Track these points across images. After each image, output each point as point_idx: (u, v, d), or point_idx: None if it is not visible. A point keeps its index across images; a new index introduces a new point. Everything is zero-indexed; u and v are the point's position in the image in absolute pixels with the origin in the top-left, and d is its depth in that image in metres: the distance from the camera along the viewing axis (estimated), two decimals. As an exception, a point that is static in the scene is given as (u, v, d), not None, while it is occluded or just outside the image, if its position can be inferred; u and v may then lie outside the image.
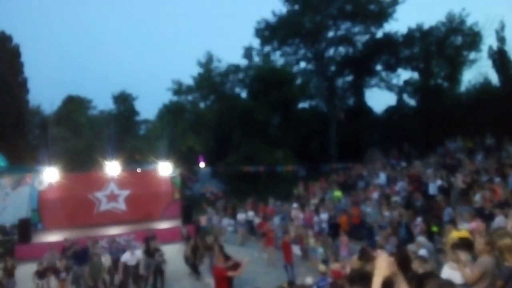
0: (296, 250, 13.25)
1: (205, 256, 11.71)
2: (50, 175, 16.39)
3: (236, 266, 8.01)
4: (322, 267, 8.22)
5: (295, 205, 16.38)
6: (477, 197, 9.91)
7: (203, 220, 16.59)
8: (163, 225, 17.21)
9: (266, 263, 12.40)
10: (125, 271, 10.36)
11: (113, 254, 11.26)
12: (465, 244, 5.86)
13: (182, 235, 13.43)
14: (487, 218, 8.61)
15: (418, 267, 5.43)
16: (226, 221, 16.99)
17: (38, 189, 17.30)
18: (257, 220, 16.34)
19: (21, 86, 28.97)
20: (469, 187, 11.33)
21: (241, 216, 16.39)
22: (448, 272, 5.41)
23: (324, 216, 13.92)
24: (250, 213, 16.83)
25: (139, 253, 10.60)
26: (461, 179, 12.02)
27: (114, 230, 16.00)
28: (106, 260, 11.15)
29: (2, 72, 27.89)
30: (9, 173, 17.93)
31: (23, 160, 23.18)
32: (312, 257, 11.67)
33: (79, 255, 10.89)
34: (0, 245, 15.26)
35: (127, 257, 10.35)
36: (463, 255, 5.55)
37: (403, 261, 5.97)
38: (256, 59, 32.52)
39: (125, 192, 18.62)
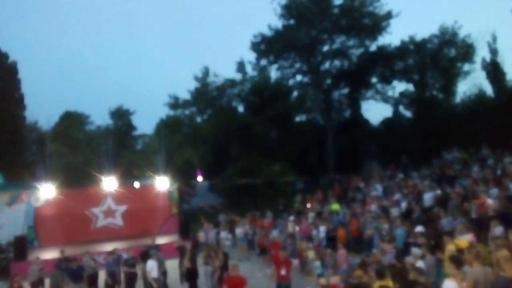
0: (294, 263, 13.14)
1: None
2: (47, 191, 16.30)
3: None
4: (322, 281, 8.15)
5: (291, 218, 16.30)
6: (473, 208, 9.93)
7: (201, 236, 16.43)
8: (161, 240, 17.05)
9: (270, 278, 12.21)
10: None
11: (109, 266, 11.32)
12: (463, 255, 5.86)
13: (180, 248, 13.02)
14: (484, 228, 8.60)
15: (414, 279, 5.44)
16: (224, 235, 16.82)
17: (35, 206, 17.18)
18: (252, 233, 16.18)
19: (18, 102, 29.05)
20: (465, 198, 11.35)
21: (240, 231, 16.24)
22: (450, 285, 5.39)
23: (322, 229, 13.86)
24: (247, 227, 16.69)
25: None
26: (456, 191, 12.06)
27: (111, 246, 15.80)
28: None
29: None
30: (5, 190, 17.83)
31: (19, 176, 23.09)
32: (311, 270, 11.57)
33: (75, 272, 10.81)
34: (-4, 263, 15.06)
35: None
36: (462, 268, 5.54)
37: (399, 273, 6.01)
38: (251, 73, 32.83)
39: (122, 208, 18.51)
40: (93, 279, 11.27)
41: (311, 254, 11.52)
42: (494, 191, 10.93)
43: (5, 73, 28.34)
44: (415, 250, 7.58)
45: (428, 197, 12.92)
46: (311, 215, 16.23)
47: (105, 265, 11.52)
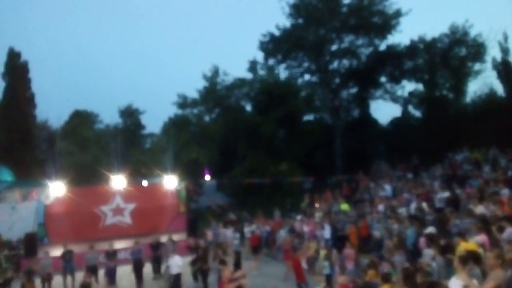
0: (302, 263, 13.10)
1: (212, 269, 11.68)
2: (57, 189, 16.45)
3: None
4: (323, 284, 8.09)
5: (298, 217, 16.24)
6: (480, 209, 9.82)
7: (209, 234, 16.47)
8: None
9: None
10: None
11: (134, 255, 12.89)
12: (473, 257, 5.79)
13: (190, 246, 13.75)
14: (496, 230, 8.46)
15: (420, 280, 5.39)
16: (231, 234, 16.84)
17: (45, 204, 17.33)
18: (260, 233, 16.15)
19: (29, 101, 29.40)
20: (478, 199, 11.19)
21: (248, 229, 16.23)
22: (457, 283, 5.33)
23: (327, 228, 13.78)
24: (257, 226, 16.67)
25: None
26: (467, 191, 11.91)
27: (119, 244, 15.95)
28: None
29: (11, 87, 28.36)
30: (16, 188, 18.04)
31: (30, 174, 23.36)
32: (319, 270, 11.50)
33: (109, 273, 11.64)
34: (6, 259, 15.27)
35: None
36: (471, 269, 5.48)
37: (410, 276, 5.97)
38: (261, 72, 32.77)
39: (131, 206, 18.59)
40: (94, 270, 12.39)
41: (323, 253, 11.43)
42: (505, 191, 10.79)
43: (17, 72, 28.69)
44: (427, 251, 7.51)
45: (438, 198, 12.78)
46: (318, 214, 16.15)
47: (130, 254, 13.16)
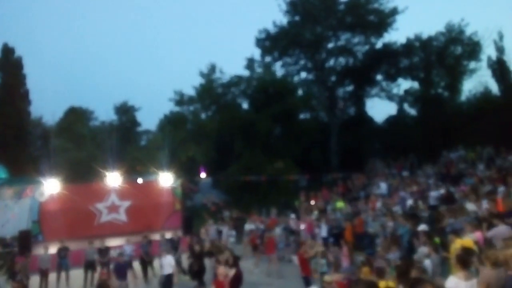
0: (296, 260, 13.14)
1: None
2: (51, 186, 16.35)
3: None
4: (327, 278, 8.09)
5: (292, 216, 16.27)
6: (472, 206, 9.89)
7: (203, 232, 16.46)
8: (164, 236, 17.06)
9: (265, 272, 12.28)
10: None
11: (144, 248, 13.02)
12: (470, 255, 5.80)
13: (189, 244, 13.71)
14: (487, 228, 8.52)
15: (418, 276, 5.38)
16: (227, 232, 16.82)
17: (39, 201, 17.23)
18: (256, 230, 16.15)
19: (23, 97, 29.09)
20: (473, 197, 11.26)
21: (248, 227, 16.21)
22: (455, 281, 5.33)
23: (326, 226, 13.81)
24: (255, 224, 16.66)
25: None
26: (461, 189, 11.99)
27: (115, 241, 15.87)
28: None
29: (5, 83, 28.10)
30: (10, 185, 17.90)
31: (24, 171, 23.19)
32: (316, 268, 11.52)
33: (120, 267, 11.08)
34: (0, 257, 15.17)
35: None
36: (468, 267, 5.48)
37: (403, 273, 5.96)
38: (258, 70, 32.73)
39: (126, 203, 18.54)
40: (92, 266, 12.56)
41: (320, 251, 11.43)
42: (501, 189, 10.87)
43: (11, 68, 28.41)
44: (422, 249, 7.54)
45: (433, 196, 12.85)
46: (315, 212, 16.20)
47: (140, 247, 13.34)
